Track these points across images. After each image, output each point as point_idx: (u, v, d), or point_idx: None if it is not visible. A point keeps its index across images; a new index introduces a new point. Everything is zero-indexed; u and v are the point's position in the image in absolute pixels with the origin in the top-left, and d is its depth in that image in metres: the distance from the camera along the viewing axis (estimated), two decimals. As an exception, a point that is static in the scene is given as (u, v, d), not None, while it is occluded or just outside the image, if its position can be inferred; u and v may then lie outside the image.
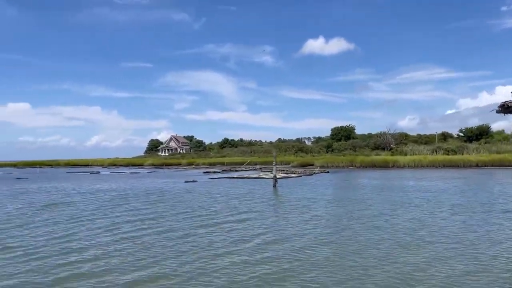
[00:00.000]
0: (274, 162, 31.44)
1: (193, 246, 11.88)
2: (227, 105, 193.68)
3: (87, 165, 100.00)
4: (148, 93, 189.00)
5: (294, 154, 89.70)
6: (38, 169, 67.68)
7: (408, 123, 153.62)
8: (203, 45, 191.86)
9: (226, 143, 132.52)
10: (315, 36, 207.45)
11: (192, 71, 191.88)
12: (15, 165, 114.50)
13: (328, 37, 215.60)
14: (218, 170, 62.03)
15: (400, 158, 64.46)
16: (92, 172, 67.42)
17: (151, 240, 12.72)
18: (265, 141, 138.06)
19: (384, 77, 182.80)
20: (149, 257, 10.65)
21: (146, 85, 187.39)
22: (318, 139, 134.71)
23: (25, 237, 13.69)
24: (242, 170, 61.94)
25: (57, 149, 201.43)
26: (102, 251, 11.40)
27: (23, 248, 11.98)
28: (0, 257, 11.02)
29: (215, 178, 43.69)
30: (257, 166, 69.93)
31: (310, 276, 8.82)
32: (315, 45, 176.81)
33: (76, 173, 66.13)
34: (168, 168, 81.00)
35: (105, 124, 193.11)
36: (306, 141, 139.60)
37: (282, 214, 17.73)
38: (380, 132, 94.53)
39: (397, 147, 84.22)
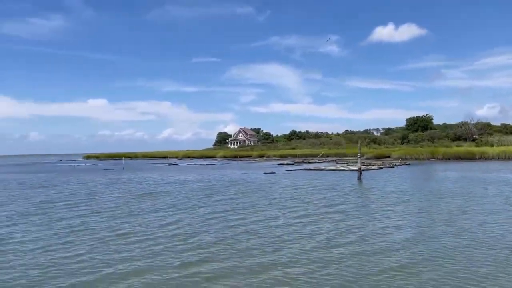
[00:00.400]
0: (358, 154, 30.50)
1: (304, 235, 11.74)
2: (291, 97, 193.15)
3: (162, 157, 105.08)
4: (215, 87, 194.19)
5: (367, 146, 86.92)
6: (123, 161, 72.35)
7: (487, 112, 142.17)
8: (268, 37, 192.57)
9: (294, 135, 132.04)
10: (384, 23, 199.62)
11: (257, 64, 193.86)
12: (97, 157, 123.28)
13: (398, 23, 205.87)
14: (291, 162, 61.88)
15: (488, 149, 59.77)
16: (170, 164, 70.58)
17: (261, 229, 12.79)
18: (332, 133, 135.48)
19: (459, 64, 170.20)
20: (268, 245, 10.67)
21: (213, 79, 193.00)
22: (387, 130, 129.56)
23: (138, 223, 14.43)
24: (315, 162, 61.22)
25: (132, 142, 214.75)
26: (219, 238, 11.66)
27: (141, 234, 12.61)
28: (122, 242, 11.66)
29: (292, 170, 43.54)
30: (333, 158, 68.77)
31: (449, 268, 8.23)
32: (384, 32, 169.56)
33: (156, 165, 69.64)
34: (240, 160, 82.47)
35: (175, 118, 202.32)
36: (375, 132, 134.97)
37: (383, 206, 17.04)
38: (461, 122, 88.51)
39: (481, 137, 78.23)
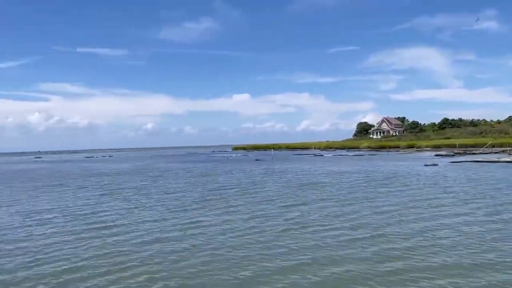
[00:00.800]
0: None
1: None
2: (438, 82, 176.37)
3: (305, 148, 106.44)
4: (353, 76, 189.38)
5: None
6: (272, 152, 75.34)
7: None
8: (413, 19, 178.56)
9: (446, 123, 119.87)
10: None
11: (399, 48, 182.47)
12: (244, 148, 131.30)
13: None
14: (450, 153, 55.87)
15: None
16: (315, 155, 70.82)
17: (463, 226, 11.30)
18: (491, 120, 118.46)
19: None
20: (468, 245, 9.25)
21: (351, 68, 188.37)
22: None
23: (313, 213, 14.32)
24: (480, 153, 54.09)
25: (273, 133, 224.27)
26: (415, 231, 10.72)
27: (322, 224, 12.42)
28: (306, 231, 11.59)
29: (457, 162, 39.05)
30: (502, 148, 59.93)
31: None
32: None
33: (302, 155, 70.59)
34: (388, 151, 78.07)
35: (313, 109, 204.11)
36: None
37: None
38: None
39: None
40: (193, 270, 8.27)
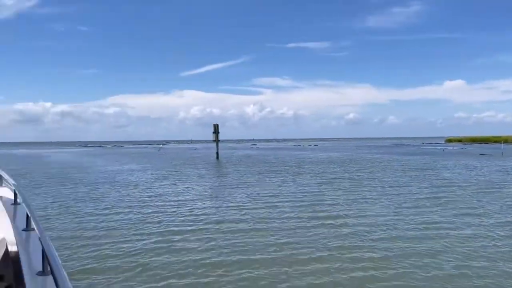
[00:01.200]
0: None
1: None
2: None
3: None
4: None
5: None
6: (502, 145, 63.76)
7: None
8: None
9: None
10: None
11: None
12: (460, 140, 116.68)
13: None
14: None
15: None
16: None
17: None
18: None
19: None
20: None
21: None
22: None
23: None
24: None
25: (492, 124, 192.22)
26: None
27: None
28: None
29: None
30: None
31: None
32: None
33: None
34: None
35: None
36: None
37: None
38: None
39: None
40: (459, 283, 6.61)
